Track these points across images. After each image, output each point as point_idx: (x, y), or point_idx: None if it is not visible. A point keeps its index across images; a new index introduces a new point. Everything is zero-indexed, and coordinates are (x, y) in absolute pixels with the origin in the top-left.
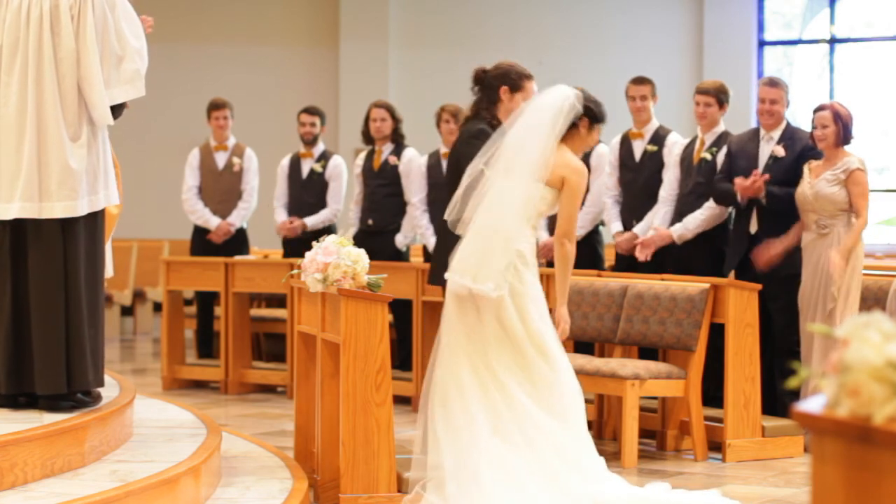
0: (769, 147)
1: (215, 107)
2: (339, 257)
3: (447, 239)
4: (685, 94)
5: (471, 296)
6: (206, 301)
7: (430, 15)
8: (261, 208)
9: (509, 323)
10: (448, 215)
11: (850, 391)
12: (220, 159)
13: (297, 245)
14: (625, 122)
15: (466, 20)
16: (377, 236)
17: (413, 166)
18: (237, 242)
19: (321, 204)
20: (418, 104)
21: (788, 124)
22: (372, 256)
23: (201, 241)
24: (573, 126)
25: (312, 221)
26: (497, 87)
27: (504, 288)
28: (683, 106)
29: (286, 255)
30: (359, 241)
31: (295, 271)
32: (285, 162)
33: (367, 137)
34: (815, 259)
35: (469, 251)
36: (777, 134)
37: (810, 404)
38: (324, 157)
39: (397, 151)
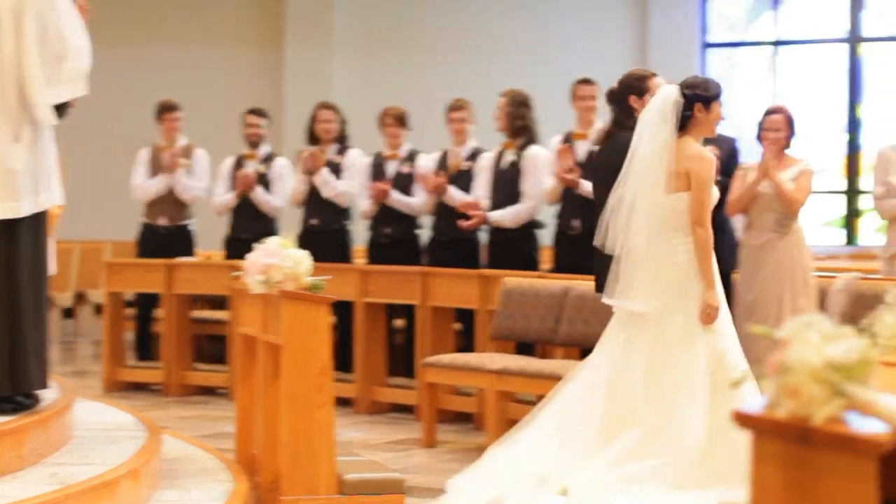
0: None
1: (168, 108)
2: (281, 259)
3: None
4: None
5: (630, 316)
6: (146, 303)
7: (374, 18)
8: (203, 210)
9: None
10: (597, 240)
11: (789, 392)
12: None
13: (239, 247)
14: (566, 125)
15: (411, 24)
16: (321, 236)
17: (359, 163)
18: (183, 243)
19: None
20: (362, 107)
21: None
22: (314, 258)
23: (149, 241)
24: (690, 115)
25: (260, 192)
26: (626, 98)
27: (654, 305)
28: None
29: (228, 256)
30: (302, 241)
31: (237, 273)
32: (228, 162)
33: (313, 138)
34: (775, 258)
35: (627, 273)
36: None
37: (750, 404)
38: (268, 159)
39: (341, 152)
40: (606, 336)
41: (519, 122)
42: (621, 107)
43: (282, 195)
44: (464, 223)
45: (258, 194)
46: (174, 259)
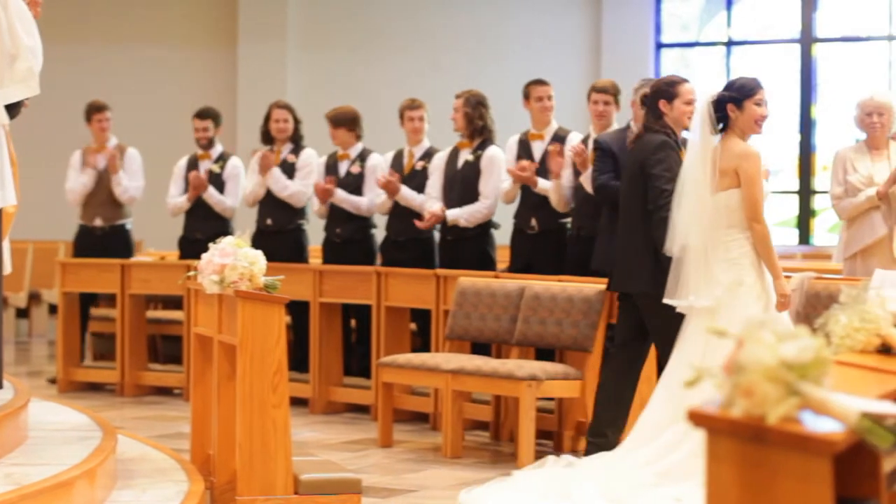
0: None
1: (97, 109)
2: (235, 259)
3: (627, 247)
4: (582, 96)
5: (689, 313)
6: (83, 303)
7: (328, 17)
8: (157, 210)
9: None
10: (665, 246)
11: (744, 391)
12: (102, 161)
13: (193, 247)
14: (521, 125)
15: (364, 23)
16: (275, 236)
17: (314, 163)
18: (120, 243)
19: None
20: (316, 105)
21: None
22: (270, 257)
23: (85, 242)
24: (726, 116)
25: (213, 193)
26: (655, 102)
27: (708, 300)
28: (581, 108)
29: (182, 256)
30: (257, 241)
31: (192, 273)
32: (182, 162)
33: (267, 137)
34: None
35: (685, 272)
36: None
37: (705, 404)
38: (222, 158)
39: (296, 151)
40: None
41: (479, 123)
42: (651, 110)
43: (235, 195)
44: (420, 223)
45: (211, 195)
46: (129, 259)
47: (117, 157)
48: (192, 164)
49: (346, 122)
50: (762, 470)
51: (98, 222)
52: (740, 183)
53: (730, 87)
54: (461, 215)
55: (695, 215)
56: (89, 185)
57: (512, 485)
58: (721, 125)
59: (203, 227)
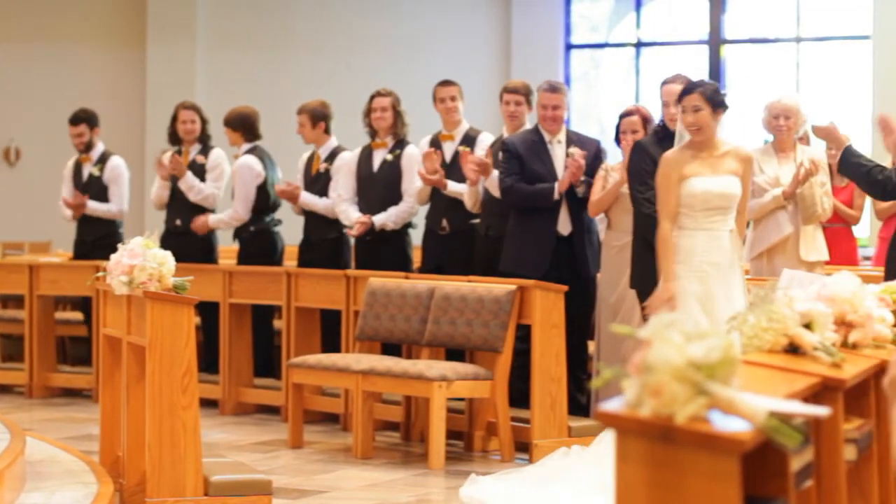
0: (560, 150)
1: None
2: (144, 259)
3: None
4: (493, 96)
5: None
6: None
7: (238, 17)
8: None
9: None
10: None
11: (652, 391)
12: None
13: (85, 248)
14: (432, 125)
15: (275, 23)
16: (184, 237)
17: (222, 163)
18: None
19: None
20: (225, 106)
21: (567, 127)
22: (179, 258)
23: None
24: None
25: (94, 206)
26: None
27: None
28: (491, 109)
29: (75, 257)
30: (166, 242)
31: (100, 273)
32: (70, 163)
33: (174, 138)
34: None
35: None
36: (563, 137)
37: (613, 404)
38: (101, 161)
39: (204, 152)
40: None
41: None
42: None
43: (120, 197)
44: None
45: (96, 209)
46: (38, 259)
47: None
48: (77, 167)
49: (228, 121)
50: (671, 469)
51: None
52: None
53: None
54: (389, 218)
55: None
56: None
57: (513, 475)
58: None
59: (89, 229)
